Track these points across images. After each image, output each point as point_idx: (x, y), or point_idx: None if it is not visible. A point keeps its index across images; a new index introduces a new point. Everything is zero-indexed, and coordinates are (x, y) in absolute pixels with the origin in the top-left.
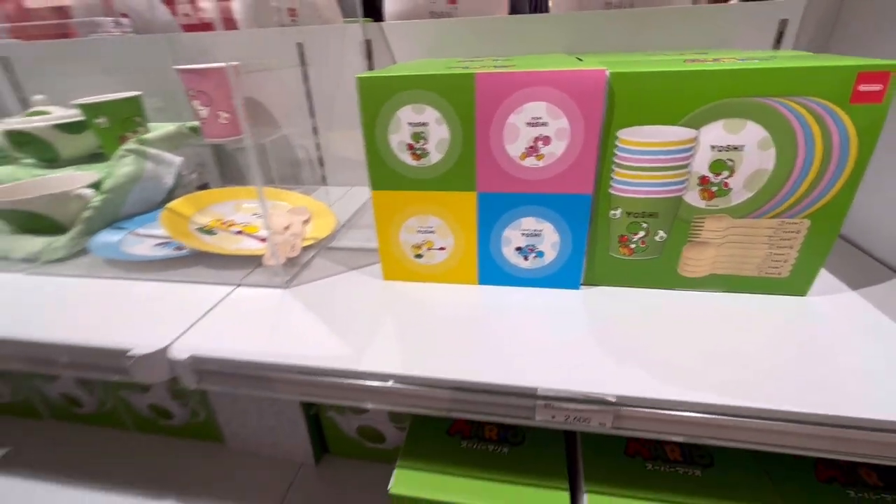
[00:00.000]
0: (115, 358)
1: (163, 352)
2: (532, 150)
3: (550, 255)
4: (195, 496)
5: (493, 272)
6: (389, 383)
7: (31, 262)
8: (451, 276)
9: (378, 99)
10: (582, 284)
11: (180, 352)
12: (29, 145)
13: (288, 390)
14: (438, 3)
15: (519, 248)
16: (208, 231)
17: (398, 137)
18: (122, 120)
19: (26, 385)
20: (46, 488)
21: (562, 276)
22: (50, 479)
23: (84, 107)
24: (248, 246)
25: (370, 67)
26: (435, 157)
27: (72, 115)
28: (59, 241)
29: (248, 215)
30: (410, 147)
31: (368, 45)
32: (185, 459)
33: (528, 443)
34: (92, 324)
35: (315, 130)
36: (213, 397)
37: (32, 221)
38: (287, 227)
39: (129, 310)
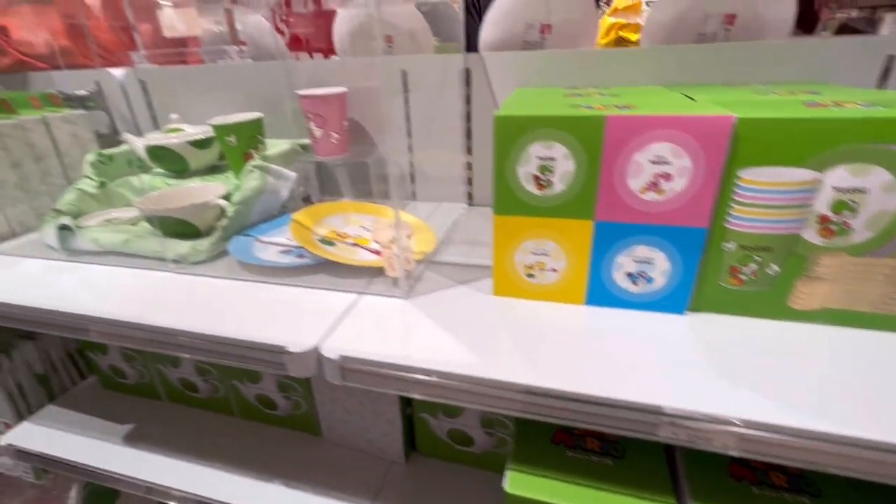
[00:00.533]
0: (273, 353)
1: (314, 350)
2: (653, 186)
3: (660, 281)
4: (295, 482)
5: (600, 294)
6: (521, 394)
7: (179, 262)
8: (560, 295)
9: (512, 135)
10: (687, 310)
11: (330, 351)
12: (165, 158)
13: (423, 391)
14: (532, 34)
15: (629, 274)
16: (328, 242)
17: (526, 169)
18: (248, 138)
19: (151, 369)
20: (165, 463)
21: (668, 302)
22: (167, 454)
23: (217, 127)
24: (365, 257)
25: (469, 94)
26: (558, 187)
27: (201, 132)
28: (203, 246)
29: (357, 228)
30: (536, 178)
31: (468, 73)
32: (285, 448)
33: (630, 456)
34: (245, 321)
35: (410, 149)
36: (316, 393)
37: (177, 226)
38: (393, 241)
39: (273, 310)
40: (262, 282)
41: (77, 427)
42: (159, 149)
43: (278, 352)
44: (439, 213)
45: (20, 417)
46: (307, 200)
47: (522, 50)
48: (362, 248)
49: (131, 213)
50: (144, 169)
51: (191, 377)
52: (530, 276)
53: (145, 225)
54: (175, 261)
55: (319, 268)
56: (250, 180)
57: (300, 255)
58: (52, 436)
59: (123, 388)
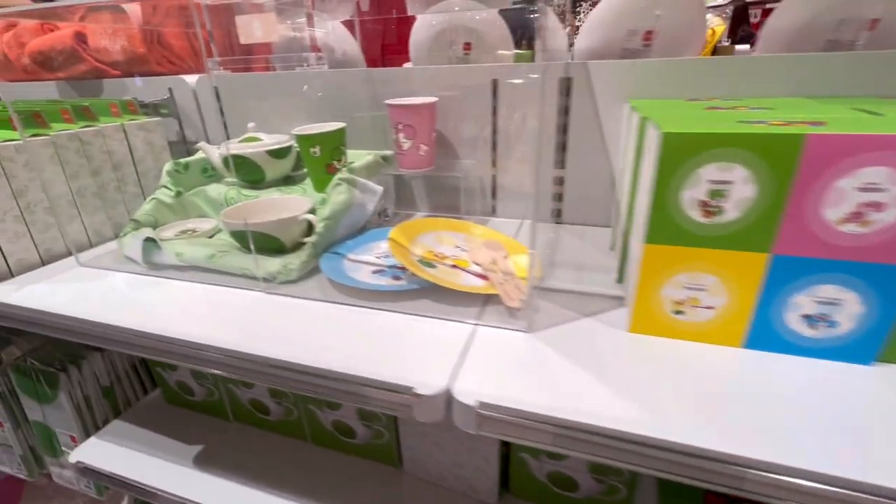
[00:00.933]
0: (396, 394)
1: (445, 393)
2: (856, 216)
3: (846, 325)
4: None
5: (764, 337)
6: (693, 458)
7: (268, 281)
8: (713, 336)
9: (681, 155)
10: (875, 361)
11: (464, 395)
12: (242, 168)
13: (575, 447)
14: (634, 41)
15: (807, 316)
16: (427, 263)
17: (692, 194)
18: (332, 150)
19: (221, 388)
20: (230, 488)
21: (852, 350)
22: (233, 478)
23: (302, 137)
24: (471, 282)
25: (567, 105)
26: (731, 215)
27: (278, 142)
28: (294, 264)
29: (451, 247)
30: (704, 204)
31: (568, 82)
32: (361, 479)
33: None
34: (355, 353)
35: (494, 163)
36: (402, 423)
37: (262, 241)
38: (494, 262)
39: (383, 341)
40: (362, 306)
41: (142, 445)
42: (236, 158)
43: (403, 393)
44: (525, 231)
45: (86, 431)
46: (382, 215)
47: (621, 59)
48: (464, 270)
49: (207, 224)
50: (217, 178)
51: (263, 399)
52: (678, 312)
53: (223, 237)
54: (265, 279)
55: (422, 292)
56: (338, 194)
57: (396, 277)
58: (117, 454)
59: (189, 405)
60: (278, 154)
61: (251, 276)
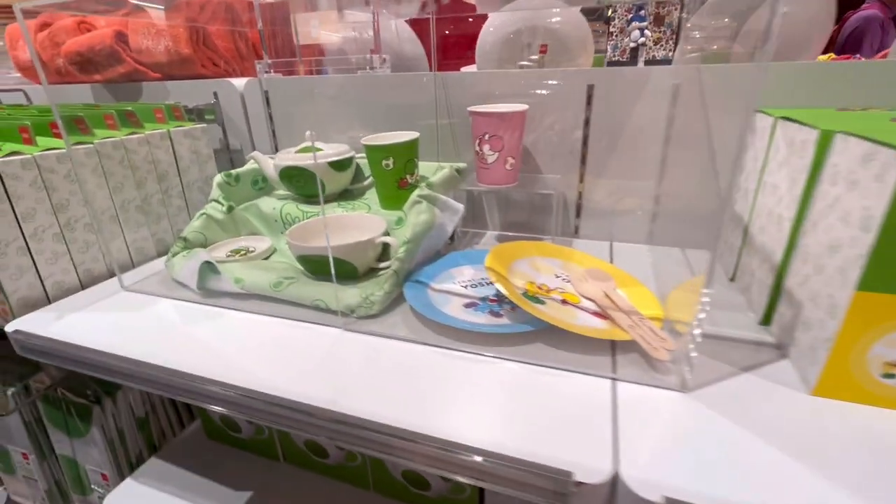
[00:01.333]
0: (547, 478)
1: (612, 481)
2: None
3: None
4: None
5: None
6: None
7: (346, 315)
8: None
9: None
10: None
11: (642, 486)
12: (299, 180)
13: None
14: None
15: None
16: (534, 298)
17: None
18: (405, 162)
19: (273, 427)
20: None
21: None
22: None
23: (373, 148)
24: (590, 322)
25: (672, 114)
26: None
27: (339, 152)
28: (376, 296)
29: (551, 276)
30: None
31: (676, 87)
32: None
33: None
34: (474, 415)
35: (581, 177)
36: None
37: (333, 266)
38: (608, 297)
39: (505, 400)
40: (466, 351)
41: (182, 488)
42: (294, 170)
43: (558, 478)
44: (620, 255)
45: (119, 468)
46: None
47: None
48: (575, 307)
49: (262, 243)
50: (268, 191)
51: (321, 441)
52: (889, 376)
53: (281, 259)
54: (342, 313)
55: (534, 335)
56: (418, 213)
57: (494, 313)
58: (155, 499)
59: (233, 442)
60: (340, 166)
61: (324, 309)
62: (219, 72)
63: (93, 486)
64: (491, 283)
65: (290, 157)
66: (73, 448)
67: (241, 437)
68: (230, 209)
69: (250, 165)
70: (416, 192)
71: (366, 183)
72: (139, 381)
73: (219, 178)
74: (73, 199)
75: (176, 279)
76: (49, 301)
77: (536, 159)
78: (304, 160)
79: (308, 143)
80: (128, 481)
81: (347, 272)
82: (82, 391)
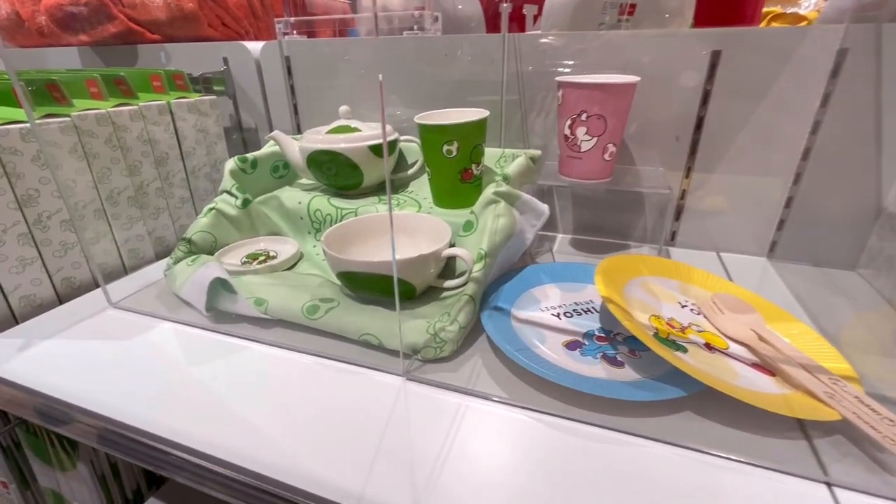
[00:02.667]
0: None
1: None
2: None
3: None
4: None
5: None
6: None
7: (408, 356)
8: None
9: None
10: None
11: None
12: (330, 167)
13: None
14: None
15: None
16: (668, 341)
17: None
18: (472, 147)
19: None
20: None
21: None
22: None
23: (432, 129)
24: (757, 383)
25: (829, 91)
26: None
27: (377, 134)
28: (448, 333)
29: (674, 306)
30: None
31: (841, 55)
32: None
33: None
34: None
35: (688, 172)
36: None
37: (382, 283)
38: (764, 340)
39: None
40: (584, 422)
41: None
42: (325, 154)
43: None
44: (736, 272)
45: None
46: None
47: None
48: (723, 354)
49: (285, 245)
50: (289, 180)
51: None
52: None
53: (312, 272)
54: (404, 354)
55: (680, 402)
56: (496, 216)
57: (610, 358)
58: None
59: None
60: (380, 151)
61: (375, 347)
62: (229, 33)
63: None
64: (590, 309)
65: (319, 138)
66: (59, 482)
67: None
68: (245, 203)
69: (269, 148)
70: (491, 188)
71: (409, 172)
72: (123, 450)
73: (231, 163)
74: (45, 189)
75: (177, 294)
76: (16, 321)
77: (629, 147)
78: (339, 143)
79: (342, 122)
80: None
81: (402, 294)
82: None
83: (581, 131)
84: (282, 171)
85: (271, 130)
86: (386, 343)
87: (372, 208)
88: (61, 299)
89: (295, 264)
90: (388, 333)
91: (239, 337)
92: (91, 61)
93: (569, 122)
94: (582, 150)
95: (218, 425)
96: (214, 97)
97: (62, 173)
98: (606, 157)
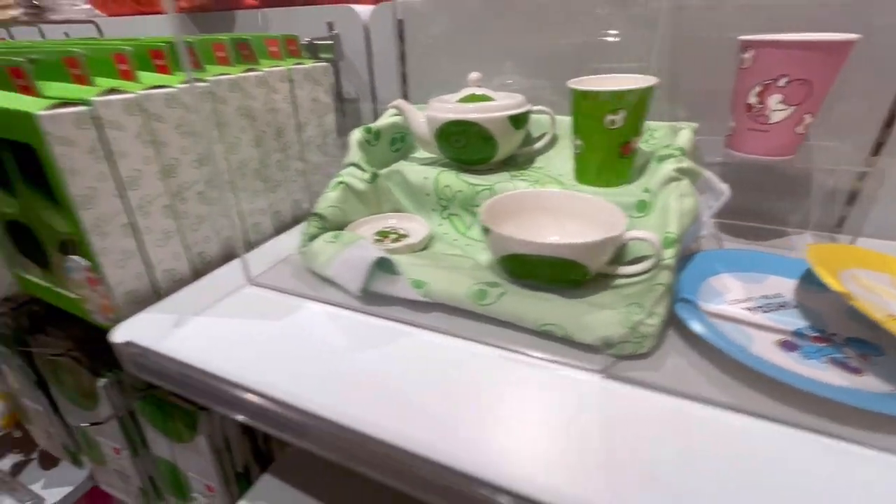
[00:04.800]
0: None
1: None
2: None
3: None
4: None
5: None
6: None
7: (599, 351)
8: None
9: None
10: None
11: None
12: (460, 139)
13: None
14: None
15: None
16: None
17: None
18: (636, 119)
19: None
20: None
21: None
22: None
23: (594, 97)
24: None
25: None
26: None
27: (518, 103)
28: (648, 326)
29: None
30: None
31: None
32: None
33: None
34: None
35: (877, 148)
36: None
37: (552, 269)
38: None
39: None
40: (831, 435)
41: None
42: (461, 125)
43: None
44: None
45: (226, 479)
46: None
47: None
48: None
49: (416, 225)
50: (405, 153)
51: None
52: None
53: (452, 252)
54: (595, 346)
55: None
56: (681, 196)
57: (840, 363)
58: None
59: None
60: (519, 122)
61: (558, 338)
62: None
63: (194, 495)
64: (783, 304)
65: (450, 107)
66: (174, 452)
67: None
68: (374, 177)
69: (389, 119)
70: (671, 163)
71: (537, 146)
72: (294, 433)
73: (358, 134)
74: (185, 160)
75: (319, 273)
76: (159, 296)
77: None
78: (473, 112)
79: (475, 90)
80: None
81: (573, 280)
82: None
83: (774, 100)
84: (398, 144)
85: (374, 100)
86: (573, 335)
87: (509, 185)
88: (196, 274)
89: (427, 246)
90: (576, 325)
91: (396, 321)
92: (187, 29)
93: (758, 88)
94: (771, 121)
95: (398, 412)
96: (327, 64)
97: (200, 142)
98: (799, 129)
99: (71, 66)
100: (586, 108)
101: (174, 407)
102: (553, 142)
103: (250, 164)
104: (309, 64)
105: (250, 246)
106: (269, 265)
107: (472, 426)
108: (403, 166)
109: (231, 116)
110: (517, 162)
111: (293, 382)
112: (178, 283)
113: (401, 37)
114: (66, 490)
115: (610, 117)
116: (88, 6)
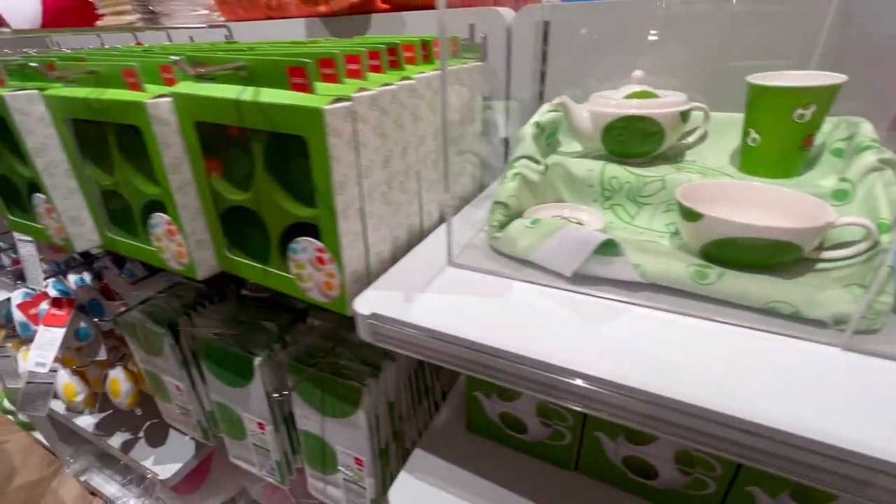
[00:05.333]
0: None
1: None
2: None
3: None
4: None
5: None
6: None
7: (828, 326)
8: None
9: None
10: None
11: None
12: (624, 133)
13: None
14: None
15: None
16: None
17: None
18: (821, 115)
19: (578, 433)
20: None
21: None
22: None
23: (785, 92)
24: None
25: None
26: None
27: (681, 101)
28: (883, 305)
29: None
30: None
31: None
32: None
33: None
34: None
35: None
36: None
37: (765, 253)
38: None
39: None
40: None
41: (456, 484)
42: (631, 121)
43: None
44: None
45: (373, 454)
46: None
47: None
48: None
49: (587, 216)
50: (553, 147)
51: (655, 460)
52: None
53: (639, 238)
54: (825, 322)
55: None
56: (886, 184)
57: None
58: (435, 496)
59: (507, 441)
60: (686, 117)
61: (786, 315)
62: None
63: (339, 468)
64: None
65: (613, 103)
66: (324, 427)
67: (523, 438)
68: (546, 169)
69: (547, 115)
70: (871, 154)
71: (689, 140)
72: (558, 392)
73: (530, 128)
74: (395, 151)
75: (520, 256)
76: (370, 277)
77: None
78: (649, 108)
79: (641, 87)
80: (403, 475)
81: (782, 263)
82: (348, 369)
83: None
84: (550, 139)
85: (507, 98)
86: (803, 312)
87: (680, 176)
88: (393, 258)
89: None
90: (808, 301)
91: (611, 299)
92: (319, 32)
93: None
94: None
95: (660, 374)
96: (482, 64)
97: (416, 131)
98: None
99: (294, 76)
100: (774, 103)
101: (336, 384)
102: (703, 136)
103: (430, 155)
104: (471, 63)
105: (424, 233)
106: (458, 250)
107: (747, 384)
108: (563, 159)
109: (424, 111)
110: (667, 156)
111: (554, 348)
112: (382, 265)
113: (545, 37)
114: (176, 466)
115: (800, 111)
116: (206, 11)
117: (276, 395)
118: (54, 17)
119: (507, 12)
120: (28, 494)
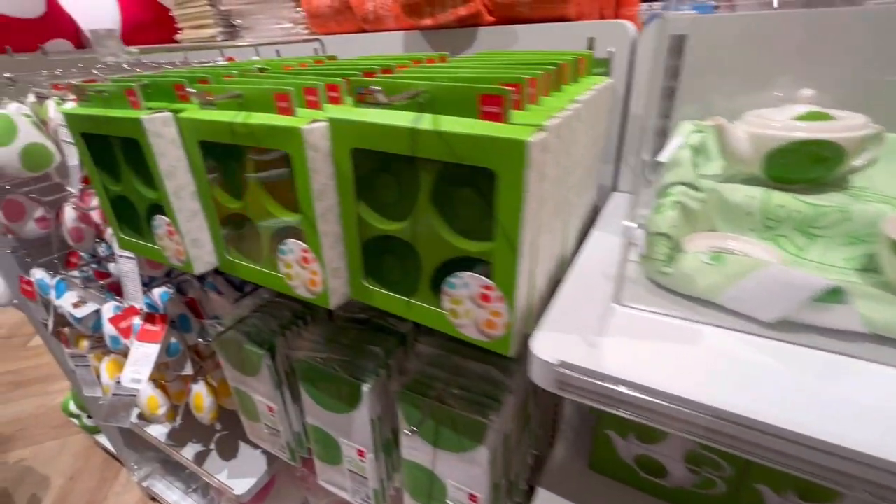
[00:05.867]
0: None
1: None
2: None
3: None
4: None
5: None
6: None
7: None
8: None
9: None
10: None
11: None
12: (792, 157)
13: None
14: None
15: None
16: None
17: None
18: None
19: (736, 484)
20: None
21: None
22: None
23: None
24: None
25: None
26: None
27: (857, 124)
28: None
29: None
30: None
31: None
32: None
33: None
34: None
35: None
36: None
37: None
38: None
39: None
40: None
41: None
42: (809, 146)
43: None
44: None
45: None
46: None
47: None
48: None
49: (747, 246)
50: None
51: None
52: None
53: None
54: None
55: None
56: None
57: None
58: None
59: (641, 485)
60: (864, 143)
61: None
62: (580, 12)
63: (448, 501)
64: None
65: (782, 125)
66: (435, 460)
67: (662, 482)
68: (704, 197)
69: (692, 136)
70: None
71: (857, 164)
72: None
73: (686, 153)
74: (563, 178)
75: (701, 296)
76: (532, 316)
77: None
78: (826, 132)
79: (813, 108)
80: None
81: None
82: (464, 401)
83: None
84: (694, 161)
85: (624, 116)
86: None
87: (866, 207)
88: (546, 295)
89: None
90: None
91: (824, 350)
92: (419, 46)
93: None
94: None
95: None
96: (612, 81)
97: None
98: None
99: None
100: None
101: (456, 417)
102: (872, 160)
103: (579, 182)
104: (606, 81)
105: (566, 263)
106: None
107: None
108: (716, 184)
109: (581, 135)
110: (833, 182)
111: (775, 408)
112: (542, 302)
113: (677, 52)
114: (251, 481)
115: None
116: (290, 24)
117: (408, 432)
118: (134, 30)
119: (632, 26)
120: (91, 497)
